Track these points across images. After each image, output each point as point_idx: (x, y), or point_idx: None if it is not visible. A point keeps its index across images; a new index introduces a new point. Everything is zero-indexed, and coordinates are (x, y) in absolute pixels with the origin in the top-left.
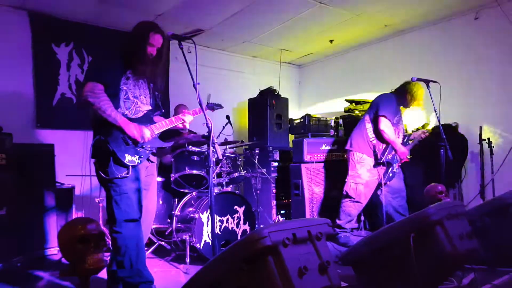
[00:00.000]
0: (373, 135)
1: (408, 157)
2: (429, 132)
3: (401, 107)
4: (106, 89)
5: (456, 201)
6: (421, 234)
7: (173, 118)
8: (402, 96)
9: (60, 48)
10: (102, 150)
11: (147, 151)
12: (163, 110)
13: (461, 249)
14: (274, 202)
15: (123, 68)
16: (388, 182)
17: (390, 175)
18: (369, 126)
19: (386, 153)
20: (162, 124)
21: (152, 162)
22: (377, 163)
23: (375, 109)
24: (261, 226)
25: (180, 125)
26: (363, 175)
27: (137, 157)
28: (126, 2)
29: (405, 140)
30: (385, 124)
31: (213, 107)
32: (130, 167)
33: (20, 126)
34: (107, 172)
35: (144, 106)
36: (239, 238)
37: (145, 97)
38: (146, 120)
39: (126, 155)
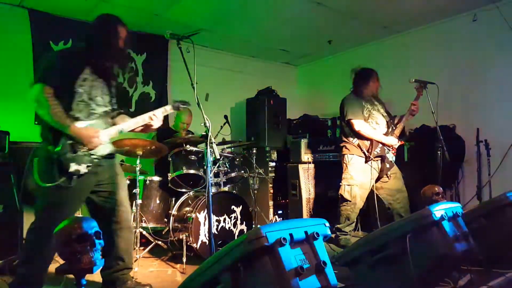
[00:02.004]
0: (353, 137)
1: (398, 143)
2: (415, 102)
3: (368, 96)
4: (56, 91)
5: (453, 202)
6: (418, 234)
7: (137, 119)
8: (357, 89)
9: (58, 46)
10: (47, 157)
11: (96, 160)
12: (122, 110)
13: (457, 250)
14: (271, 202)
15: (81, 67)
16: (389, 174)
17: (387, 165)
18: (347, 130)
19: (373, 148)
20: (120, 128)
21: (112, 158)
22: (367, 160)
23: (342, 115)
24: (258, 226)
25: (149, 125)
26: (356, 176)
27: (84, 166)
28: (125, 1)
29: (390, 128)
30: (357, 125)
31: (178, 106)
32: (75, 177)
33: (17, 124)
34: (48, 178)
35: (100, 107)
36: (236, 238)
37: (102, 98)
38: (101, 123)
39: (72, 164)
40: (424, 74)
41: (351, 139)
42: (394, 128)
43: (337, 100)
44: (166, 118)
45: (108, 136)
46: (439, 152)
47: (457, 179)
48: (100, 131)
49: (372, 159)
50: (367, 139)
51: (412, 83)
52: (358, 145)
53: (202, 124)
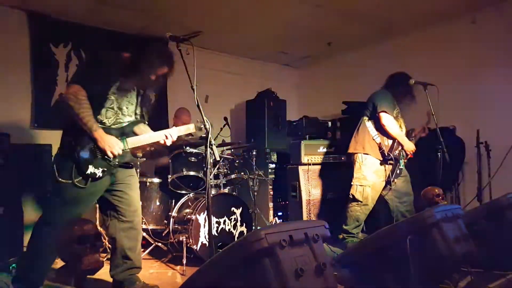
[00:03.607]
0: (376, 133)
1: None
2: (426, 128)
3: (398, 99)
4: (90, 96)
5: (453, 204)
6: (418, 236)
7: (160, 132)
8: (394, 87)
9: (58, 49)
10: (67, 155)
11: (112, 166)
12: (146, 122)
13: (457, 252)
14: (271, 204)
15: (117, 76)
16: (395, 180)
17: (398, 171)
18: (369, 125)
19: (393, 149)
20: (139, 139)
21: (130, 167)
22: (384, 160)
23: (373, 107)
24: (258, 227)
25: (162, 141)
26: (369, 176)
27: (101, 170)
28: (125, 2)
29: (410, 138)
30: (387, 119)
31: (200, 127)
32: (90, 179)
33: (17, 126)
34: (65, 175)
35: (126, 117)
36: (236, 239)
37: (127, 108)
38: (124, 132)
39: (90, 166)
40: (424, 75)
41: (373, 134)
42: (412, 138)
43: (336, 101)
44: (166, 121)
45: (129, 145)
46: (439, 153)
47: (458, 181)
48: (123, 140)
49: (389, 160)
50: (390, 137)
51: (412, 85)
52: (380, 144)
53: (202, 126)
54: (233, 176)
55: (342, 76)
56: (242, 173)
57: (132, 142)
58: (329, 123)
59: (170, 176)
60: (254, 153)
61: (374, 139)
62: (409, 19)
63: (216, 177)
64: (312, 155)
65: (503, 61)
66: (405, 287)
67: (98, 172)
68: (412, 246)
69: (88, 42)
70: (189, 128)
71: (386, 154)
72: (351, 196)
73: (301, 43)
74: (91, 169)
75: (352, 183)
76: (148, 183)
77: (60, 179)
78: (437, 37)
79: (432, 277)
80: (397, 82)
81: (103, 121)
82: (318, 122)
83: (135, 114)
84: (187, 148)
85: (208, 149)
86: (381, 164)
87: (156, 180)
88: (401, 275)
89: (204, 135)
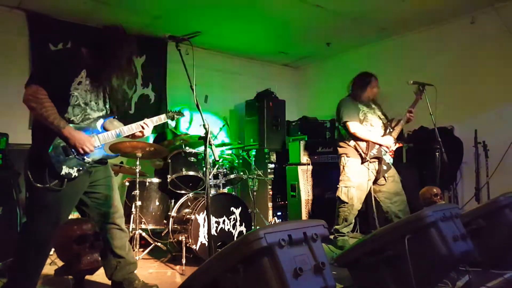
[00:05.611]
0: (348, 138)
1: (396, 145)
2: (412, 110)
3: (365, 100)
4: (52, 95)
5: (451, 203)
6: (416, 236)
7: (132, 125)
8: (354, 93)
9: (57, 48)
10: (39, 158)
11: (87, 164)
12: (115, 116)
13: (455, 251)
14: (270, 204)
15: (78, 69)
16: (386, 176)
17: (385, 167)
18: (343, 132)
19: (369, 149)
20: (111, 134)
21: (104, 164)
22: (363, 161)
23: (338, 118)
24: (257, 227)
25: (139, 133)
26: (352, 178)
27: (76, 169)
28: (124, 3)
29: (387, 130)
30: (353, 127)
31: (173, 116)
32: (66, 180)
33: (16, 126)
34: (39, 180)
35: (94, 112)
36: (235, 239)
37: (96, 103)
38: (94, 127)
39: (64, 167)
40: (422, 75)
41: (346, 140)
42: (391, 130)
43: (335, 102)
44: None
45: (101, 141)
46: (437, 153)
47: (455, 181)
48: (94, 136)
49: (368, 160)
50: (363, 140)
51: (410, 85)
52: (355, 147)
53: (201, 126)
54: (232, 176)
55: (341, 76)
56: (242, 173)
57: (104, 137)
58: (328, 123)
59: (169, 176)
60: (253, 153)
61: (349, 144)
62: (408, 19)
63: (216, 177)
64: (311, 155)
65: (501, 61)
66: (403, 286)
67: (73, 172)
68: (410, 245)
69: (88, 42)
70: (161, 118)
71: (364, 156)
72: (337, 198)
73: (300, 43)
74: (65, 169)
75: (338, 186)
76: (147, 183)
77: (36, 184)
78: (436, 37)
79: (431, 277)
80: (356, 86)
81: (72, 119)
82: (317, 122)
83: (105, 109)
84: (187, 148)
85: (208, 149)
86: (362, 163)
87: (156, 180)
88: (400, 275)
89: (204, 135)
